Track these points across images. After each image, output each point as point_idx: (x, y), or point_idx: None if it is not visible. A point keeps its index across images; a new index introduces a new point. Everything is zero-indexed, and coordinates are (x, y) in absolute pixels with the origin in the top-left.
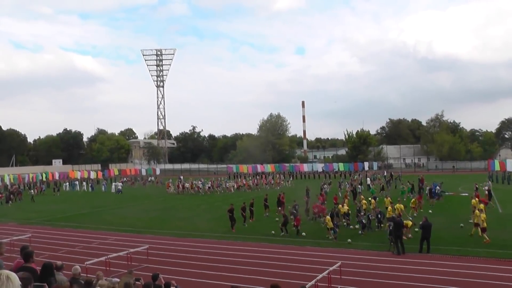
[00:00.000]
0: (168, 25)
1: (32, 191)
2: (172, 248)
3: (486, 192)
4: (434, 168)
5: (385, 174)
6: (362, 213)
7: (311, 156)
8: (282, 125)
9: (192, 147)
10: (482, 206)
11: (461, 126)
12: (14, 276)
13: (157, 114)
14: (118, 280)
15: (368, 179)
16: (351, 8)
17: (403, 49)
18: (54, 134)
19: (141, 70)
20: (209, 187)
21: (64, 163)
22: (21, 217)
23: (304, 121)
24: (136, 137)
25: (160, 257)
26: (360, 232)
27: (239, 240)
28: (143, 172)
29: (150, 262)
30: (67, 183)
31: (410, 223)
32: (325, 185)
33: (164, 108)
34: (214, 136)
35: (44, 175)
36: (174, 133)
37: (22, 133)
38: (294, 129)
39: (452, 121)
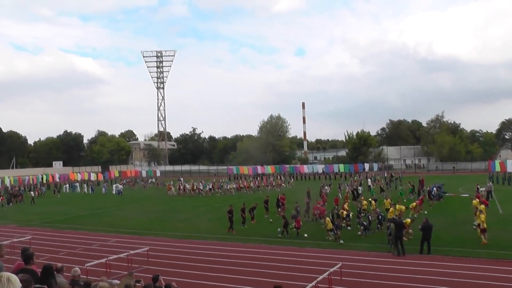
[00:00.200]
0: (168, 26)
1: (32, 193)
2: (172, 249)
3: (483, 193)
4: (435, 169)
5: (386, 175)
6: (362, 214)
7: (312, 157)
8: (283, 126)
9: (193, 149)
10: (482, 207)
11: (461, 127)
12: (14, 278)
13: (158, 116)
14: (118, 282)
15: (368, 180)
16: (351, 9)
17: (403, 50)
18: (55, 136)
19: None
20: (210, 189)
21: (64, 165)
22: (22, 219)
23: (304, 122)
24: (137, 139)
25: (161, 258)
26: (359, 233)
27: (239, 241)
28: (144, 174)
29: (151, 264)
30: (67, 185)
31: (409, 220)
32: (326, 187)
33: (164, 110)
34: (215, 137)
35: (44, 177)
36: (175, 134)
37: (23, 135)
38: (294, 130)
39: (452, 122)
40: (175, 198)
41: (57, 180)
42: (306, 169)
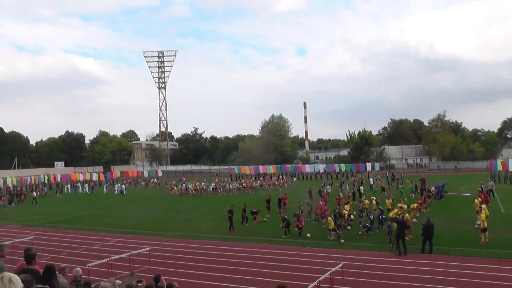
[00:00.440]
0: (169, 26)
1: (34, 193)
2: (174, 249)
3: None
4: (436, 168)
5: (387, 174)
6: (364, 214)
7: (313, 157)
8: (284, 126)
9: (194, 149)
10: (483, 206)
11: (463, 126)
12: (16, 279)
13: (159, 116)
14: (120, 282)
15: (370, 179)
16: (352, 9)
17: (404, 50)
18: (56, 136)
19: (142, 72)
20: (212, 189)
21: (66, 165)
22: (24, 219)
23: (306, 122)
24: (138, 139)
25: (162, 258)
26: (360, 232)
27: (241, 241)
28: (145, 174)
29: (152, 264)
30: (69, 185)
31: (408, 216)
32: (327, 186)
33: (166, 110)
34: (216, 137)
35: (46, 178)
36: (176, 134)
37: (24, 135)
38: (296, 130)
39: (454, 121)
40: (177, 198)
41: (59, 180)
42: (307, 168)
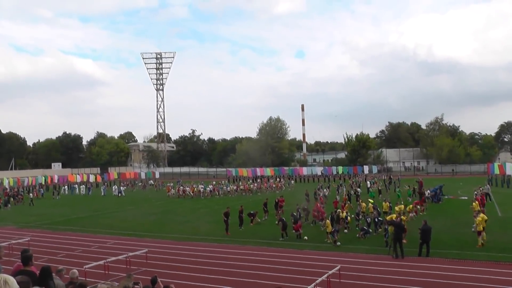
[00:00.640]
0: (168, 28)
1: (31, 194)
2: (171, 251)
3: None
4: (434, 171)
5: (384, 177)
6: (360, 217)
7: (311, 160)
8: (282, 128)
9: (192, 151)
10: (479, 209)
11: (460, 130)
12: (12, 280)
13: (157, 118)
14: (117, 284)
15: (368, 182)
16: (351, 12)
17: (403, 52)
18: (54, 137)
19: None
20: (210, 191)
21: (63, 166)
22: (20, 220)
23: (303, 124)
24: (136, 141)
25: (160, 260)
26: (358, 235)
27: (238, 243)
28: (143, 176)
29: (149, 266)
30: (66, 187)
31: (403, 217)
32: (324, 189)
33: (163, 111)
34: (214, 139)
35: (43, 179)
36: (174, 136)
37: (22, 136)
38: (294, 132)
39: (451, 125)
40: (174, 200)
41: (56, 181)
42: (305, 171)
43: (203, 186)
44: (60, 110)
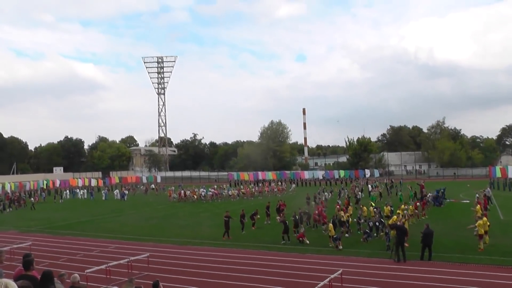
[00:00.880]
0: (169, 32)
1: (32, 199)
2: (173, 256)
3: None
4: (435, 175)
5: (386, 181)
6: (362, 221)
7: (312, 163)
8: (283, 132)
9: (193, 155)
10: (481, 212)
11: (462, 133)
12: (13, 285)
13: (158, 122)
14: None
15: (369, 186)
16: (352, 15)
17: (403, 56)
18: (55, 141)
19: (142, 78)
20: (211, 195)
21: (65, 170)
22: (22, 225)
23: (305, 128)
24: (137, 145)
25: (161, 265)
26: (361, 239)
27: (239, 247)
28: (144, 180)
29: (151, 270)
30: (68, 191)
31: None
32: (325, 193)
33: (165, 116)
34: (215, 143)
35: (45, 183)
36: (175, 140)
37: (23, 140)
38: (295, 136)
39: (453, 128)
40: (175, 204)
41: (58, 186)
42: (306, 175)
43: (204, 190)
44: (61, 114)
